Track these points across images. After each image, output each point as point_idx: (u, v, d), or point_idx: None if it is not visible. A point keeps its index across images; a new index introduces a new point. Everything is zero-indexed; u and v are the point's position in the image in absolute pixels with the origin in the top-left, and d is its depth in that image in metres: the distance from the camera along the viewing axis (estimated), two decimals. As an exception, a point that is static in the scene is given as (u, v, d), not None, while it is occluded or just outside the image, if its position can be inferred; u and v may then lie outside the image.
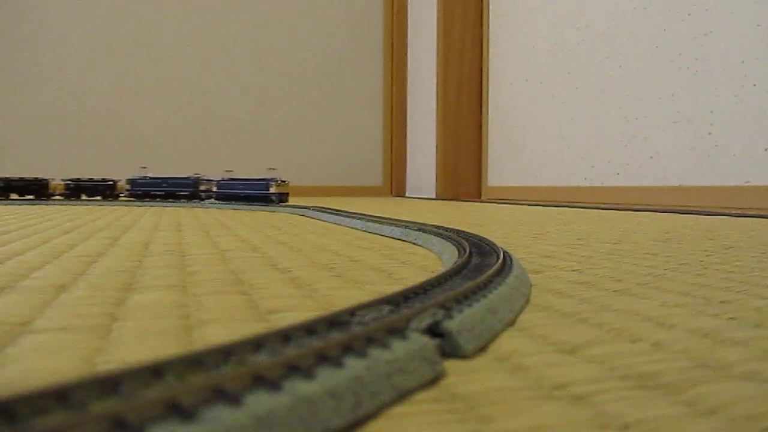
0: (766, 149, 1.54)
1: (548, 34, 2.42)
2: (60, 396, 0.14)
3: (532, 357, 0.24)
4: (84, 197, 2.02)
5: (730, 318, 0.32)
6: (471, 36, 2.99)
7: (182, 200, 1.91)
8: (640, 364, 0.23)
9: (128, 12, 3.09)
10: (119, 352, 0.24)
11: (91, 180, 2.03)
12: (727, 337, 0.28)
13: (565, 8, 2.32)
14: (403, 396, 0.19)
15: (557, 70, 2.36)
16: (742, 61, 1.60)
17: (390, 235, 0.80)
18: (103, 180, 2.03)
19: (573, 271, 0.49)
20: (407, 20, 3.57)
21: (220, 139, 3.23)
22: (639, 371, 0.22)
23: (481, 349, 0.25)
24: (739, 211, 1.46)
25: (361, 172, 3.53)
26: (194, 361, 0.18)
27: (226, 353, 0.18)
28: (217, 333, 0.28)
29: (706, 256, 0.61)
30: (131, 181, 1.99)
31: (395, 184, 3.60)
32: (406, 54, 3.58)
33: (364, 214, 1.07)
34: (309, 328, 0.22)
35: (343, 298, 0.37)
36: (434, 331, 0.24)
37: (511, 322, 0.30)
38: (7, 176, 2.01)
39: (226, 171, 1.93)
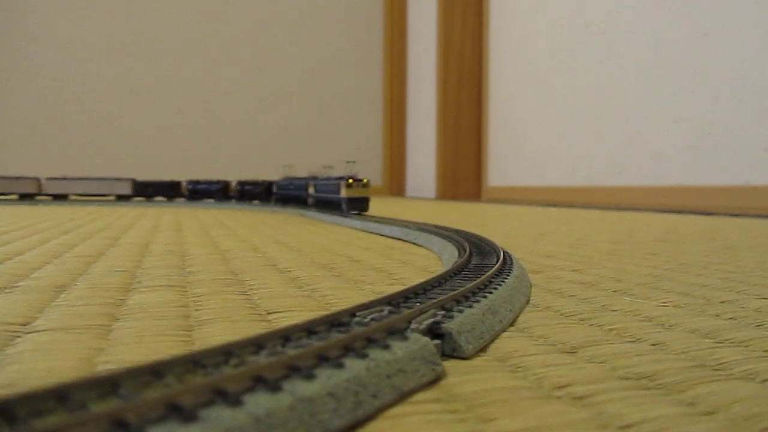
0: (766, 149, 1.54)
1: (548, 34, 2.42)
2: (60, 396, 0.14)
3: (533, 357, 0.24)
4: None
5: (730, 318, 0.32)
6: (471, 36, 2.98)
7: (294, 205, 1.50)
8: (640, 364, 0.23)
9: (128, 12, 3.09)
10: (119, 352, 0.24)
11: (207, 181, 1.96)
12: (727, 337, 0.28)
13: (564, 8, 2.32)
14: (403, 396, 0.19)
15: (557, 70, 2.36)
16: (742, 61, 1.60)
17: (390, 235, 0.80)
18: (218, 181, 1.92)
19: (573, 271, 0.49)
20: (407, 20, 3.57)
21: (220, 139, 3.23)
22: (639, 371, 0.22)
23: (481, 349, 0.25)
24: (739, 211, 1.46)
25: (361, 172, 3.53)
26: (194, 361, 0.18)
27: (226, 353, 0.18)
28: (217, 333, 0.28)
29: (706, 256, 0.61)
30: (278, 184, 1.65)
31: (395, 184, 3.60)
32: (406, 54, 3.58)
33: (365, 214, 1.07)
34: (309, 329, 0.22)
35: (343, 298, 0.37)
36: (434, 331, 0.24)
37: (511, 323, 0.30)
38: (196, 179, 1.98)
39: (325, 167, 1.37)
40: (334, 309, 0.32)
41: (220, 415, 0.15)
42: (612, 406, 0.19)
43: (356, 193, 1.13)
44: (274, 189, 1.67)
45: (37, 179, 1.98)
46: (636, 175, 1.95)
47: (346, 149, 3.46)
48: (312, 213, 1.24)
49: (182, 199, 2.00)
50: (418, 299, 0.28)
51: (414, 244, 0.70)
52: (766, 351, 0.26)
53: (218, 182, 1.93)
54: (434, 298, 0.28)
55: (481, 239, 0.58)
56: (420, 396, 0.20)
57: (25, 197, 1.95)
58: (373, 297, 0.29)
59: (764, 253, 0.63)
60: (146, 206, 1.77)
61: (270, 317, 0.31)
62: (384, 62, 3.57)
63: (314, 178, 1.36)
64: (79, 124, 3.02)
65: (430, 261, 0.55)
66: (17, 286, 0.39)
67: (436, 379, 0.21)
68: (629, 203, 1.92)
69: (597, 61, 2.14)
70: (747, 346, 0.26)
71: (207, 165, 3.12)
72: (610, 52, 2.07)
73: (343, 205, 1.12)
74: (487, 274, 0.34)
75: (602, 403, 0.19)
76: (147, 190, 2.02)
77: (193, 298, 0.36)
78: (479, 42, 2.97)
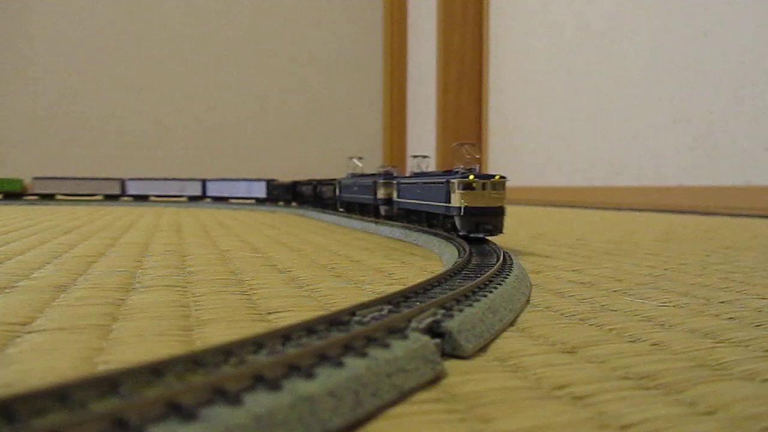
0: (766, 149, 1.54)
1: (548, 34, 2.42)
2: (60, 395, 0.14)
3: (532, 357, 0.24)
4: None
5: (730, 318, 0.32)
6: (471, 36, 2.98)
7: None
8: (640, 364, 0.23)
9: (128, 12, 3.09)
10: (119, 352, 0.24)
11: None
12: (727, 337, 0.28)
13: (564, 8, 2.32)
14: (403, 396, 0.19)
15: (557, 70, 2.36)
16: (742, 61, 1.60)
17: (390, 235, 0.80)
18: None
19: (573, 271, 0.49)
20: (407, 20, 3.57)
21: (219, 138, 3.23)
22: (639, 371, 0.22)
23: (481, 349, 0.25)
24: (738, 211, 1.46)
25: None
26: (194, 361, 0.18)
27: (226, 353, 0.18)
28: (217, 333, 0.28)
29: (706, 256, 0.61)
30: (341, 183, 1.22)
31: (395, 184, 3.59)
32: (405, 54, 3.58)
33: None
34: (309, 328, 0.22)
35: (343, 298, 0.37)
36: (434, 330, 0.24)
37: (511, 322, 0.30)
38: (300, 180, 1.68)
39: (415, 156, 0.93)
40: (334, 309, 0.32)
41: (220, 414, 0.15)
42: (612, 406, 0.19)
43: (482, 200, 0.58)
44: (337, 191, 1.24)
45: (203, 181, 2.10)
46: (636, 175, 1.95)
47: (346, 149, 3.46)
48: (395, 230, 0.80)
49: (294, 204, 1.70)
50: (418, 298, 0.28)
51: (414, 244, 0.70)
52: (766, 351, 0.26)
53: (309, 182, 1.59)
54: (434, 298, 0.28)
55: (481, 239, 0.58)
56: (420, 395, 0.20)
57: (194, 199, 2.07)
58: (373, 297, 0.29)
59: (764, 253, 0.63)
60: (145, 206, 1.76)
61: (270, 317, 0.31)
62: (384, 62, 3.57)
63: (387, 174, 0.93)
64: (79, 124, 3.02)
65: (431, 261, 0.55)
66: (17, 286, 0.39)
67: (436, 378, 0.21)
68: (629, 203, 1.92)
69: (597, 61, 2.14)
70: (747, 346, 0.26)
71: (206, 165, 3.12)
72: (610, 52, 2.07)
73: (457, 221, 0.60)
74: (487, 273, 0.34)
75: (602, 403, 0.19)
76: (273, 193, 1.88)
77: (193, 298, 0.36)
78: (479, 43, 2.97)
